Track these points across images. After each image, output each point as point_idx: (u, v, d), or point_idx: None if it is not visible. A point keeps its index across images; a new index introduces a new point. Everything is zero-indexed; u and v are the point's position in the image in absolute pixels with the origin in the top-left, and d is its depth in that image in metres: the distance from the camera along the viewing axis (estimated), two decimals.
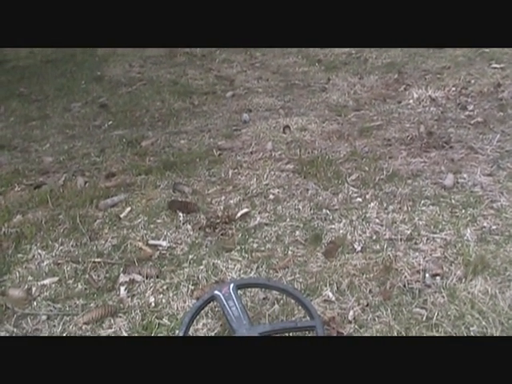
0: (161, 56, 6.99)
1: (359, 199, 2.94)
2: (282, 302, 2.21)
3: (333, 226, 2.71)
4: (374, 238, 2.60)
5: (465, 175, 3.12)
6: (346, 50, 6.41)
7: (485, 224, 2.64)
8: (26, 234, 2.85)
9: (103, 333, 2.15)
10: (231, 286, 2.00)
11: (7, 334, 2.20)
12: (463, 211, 2.76)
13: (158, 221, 2.87)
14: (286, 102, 4.80)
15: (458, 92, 4.57)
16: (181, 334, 1.91)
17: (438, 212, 2.77)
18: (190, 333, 2.04)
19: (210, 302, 2.06)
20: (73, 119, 4.89)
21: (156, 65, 6.62)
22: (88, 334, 2.14)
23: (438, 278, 2.32)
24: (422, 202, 2.87)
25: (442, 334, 2.01)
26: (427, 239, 2.57)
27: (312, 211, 2.85)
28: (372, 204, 2.87)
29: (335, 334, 2.01)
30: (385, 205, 2.87)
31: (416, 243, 2.55)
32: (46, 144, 4.29)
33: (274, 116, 4.40)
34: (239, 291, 2.05)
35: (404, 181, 3.11)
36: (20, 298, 2.42)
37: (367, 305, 2.18)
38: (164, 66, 6.52)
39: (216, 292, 1.99)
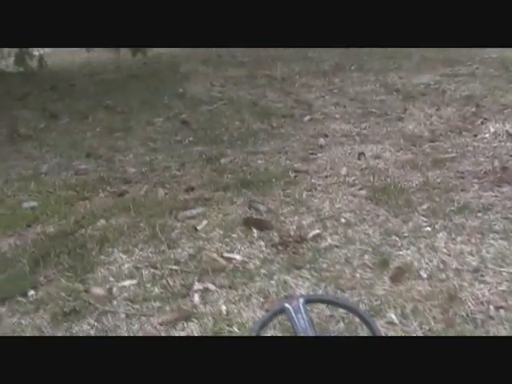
0: (241, 77, 7.19)
1: (428, 228, 3.00)
2: (347, 320, 2.30)
3: (401, 253, 2.78)
4: (441, 266, 2.65)
5: None
6: (425, 80, 6.44)
7: None
8: (108, 237, 3.04)
9: (176, 334, 2.29)
10: (301, 300, 2.10)
11: (89, 328, 2.38)
12: None
13: (233, 235, 3.01)
14: (362, 129, 4.86)
15: None
16: None
17: (506, 246, 2.79)
18: None
19: (279, 314, 2.17)
20: (155, 133, 5.11)
21: (236, 85, 6.81)
22: (162, 334, 2.29)
23: (501, 310, 2.35)
24: (491, 235, 2.90)
25: None
26: (494, 272, 2.60)
27: (381, 237, 2.93)
28: (441, 234, 2.93)
29: None
30: (453, 235, 2.91)
31: (482, 275, 2.59)
32: (130, 155, 4.51)
33: (349, 142, 4.49)
34: (307, 306, 2.15)
35: (474, 213, 3.14)
36: (101, 296, 2.60)
37: (429, 330, 2.24)
38: (244, 86, 6.70)
39: (286, 304, 2.09)
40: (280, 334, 2.24)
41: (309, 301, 2.18)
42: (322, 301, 2.29)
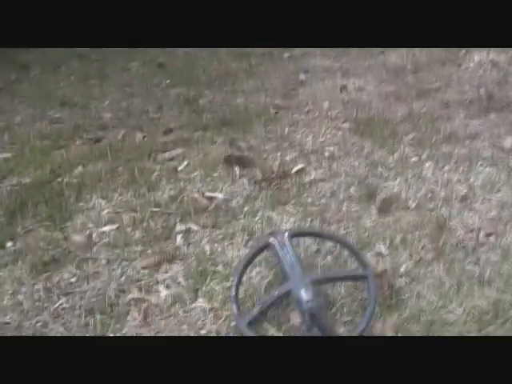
0: None
1: (415, 158, 2.93)
2: (334, 254, 2.23)
3: (387, 184, 2.72)
4: (429, 196, 2.60)
5: None
6: None
7: None
8: (86, 184, 2.94)
9: (160, 277, 2.22)
10: (286, 234, 2.04)
11: (70, 276, 2.31)
12: None
13: (215, 174, 2.92)
14: (344, 63, 4.77)
15: None
16: (235, 281, 1.96)
17: (495, 173, 2.74)
18: (244, 280, 2.08)
19: (264, 250, 2.10)
20: (131, 78, 4.97)
21: None
22: (145, 278, 2.22)
23: (492, 237, 2.31)
24: (479, 163, 2.85)
25: (494, 291, 2.01)
26: (483, 199, 2.56)
27: (367, 169, 2.86)
28: (428, 163, 2.86)
29: (386, 286, 2.03)
30: (441, 165, 2.85)
31: (471, 203, 2.54)
32: (106, 101, 4.38)
33: (330, 77, 4.39)
34: (293, 241, 2.08)
35: (461, 142, 3.08)
36: (81, 243, 2.51)
37: (420, 260, 2.20)
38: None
39: (271, 240, 2.03)
40: (266, 272, 2.17)
41: (294, 235, 2.12)
42: (309, 234, 2.22)
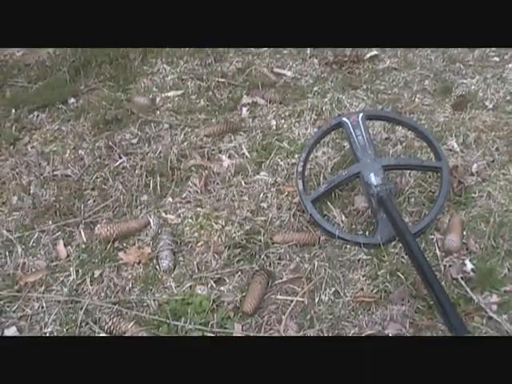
0: None
1: (496, 58, 2.77)
2: (405, 144, 2.15)
3: (465, 81, 2.58)
4: (508, 98, 2.46)
5: None
6: None
7: None
8: (152, 48, 2.86)
9: (223, 147, 2.18)
10: (360, 115, 1.95)
11: (132, 136, 2.28)
12: None
13: (285, 51, 2.81)
14: None
15: None
16: (303, 157, 1.90)
17: None
18: (311, 158, 2.02)
19: (335, 129, 2.02)
20: None
21: None
22: (208, 145, 2.18)
23: None
24: None
25: None
26: None
27: (444, 63, 2.71)
28: (510, 65, 2.70)
29: (457, 183, 1.96)
30: None
31: None
32: None
33: None
34: (367, 122, 1.99)
35: None
36: (144, 106, 2.47)
37: (493, 161, 2.10)
38: None
39: (344, 119, 1.94)
40: (333, 153, 2.11)
41: (369, 117, 2.02)
42: (385, 117, 2.11)
